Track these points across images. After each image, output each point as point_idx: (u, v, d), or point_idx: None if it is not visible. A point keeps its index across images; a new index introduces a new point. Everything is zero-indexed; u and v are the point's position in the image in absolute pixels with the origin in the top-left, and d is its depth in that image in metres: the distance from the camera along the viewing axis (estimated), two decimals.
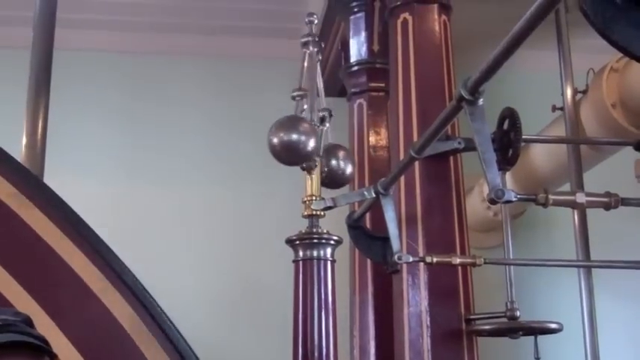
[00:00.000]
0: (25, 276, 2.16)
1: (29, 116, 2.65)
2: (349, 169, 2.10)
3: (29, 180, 2.29)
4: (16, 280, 2.16)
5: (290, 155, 1.94)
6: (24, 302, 2.08)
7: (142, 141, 4.14)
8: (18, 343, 1.37)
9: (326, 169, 2.05)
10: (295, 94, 2.04)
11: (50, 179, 2.43)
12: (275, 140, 1.92)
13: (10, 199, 2.23)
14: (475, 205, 3.66)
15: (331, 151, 2.08)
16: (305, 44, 2.07)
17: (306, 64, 2.07)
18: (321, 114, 2.10)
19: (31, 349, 1.38)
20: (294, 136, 1.91)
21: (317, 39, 2.09)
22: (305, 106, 2.03)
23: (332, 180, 2.08)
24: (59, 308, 2.14)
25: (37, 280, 2.17)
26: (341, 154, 2.09)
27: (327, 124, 2.13)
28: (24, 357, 1.38)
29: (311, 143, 1.92)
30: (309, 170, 2.01)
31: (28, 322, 1.46)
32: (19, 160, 2.42)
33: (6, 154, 2.28)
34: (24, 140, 2.63)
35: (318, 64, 2.11)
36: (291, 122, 1.95)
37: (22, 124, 2.66)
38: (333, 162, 2.07)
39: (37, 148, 2.62)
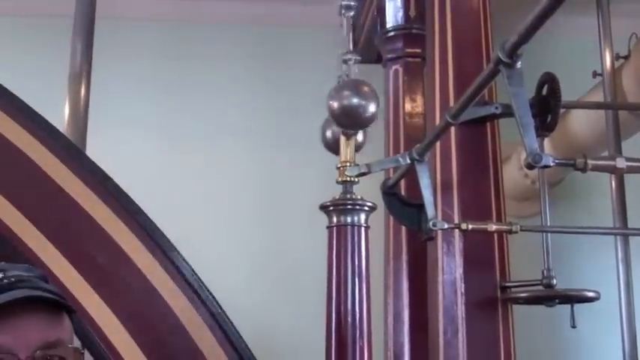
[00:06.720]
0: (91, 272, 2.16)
1: (72, 85, 2.68)
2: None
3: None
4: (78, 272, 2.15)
5: (350, 119, 1.89)
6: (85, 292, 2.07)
7: (179, 109, 4.17)
8: (33, 299, 1.27)
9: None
10: (347, 57, 2.00)
11: (92, 147, 2.45)
12: (335, 104, 1.88)
13: (55, 174, 2.24)
14: (512, 173, 3.62)
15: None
16: (347, 8, 2.04)
17: (346, 28, 2.05)
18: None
19: (47, 305, 1.30)
20: (355, 100, 1.87)
21: (354, 3, 2.06)
22: (356, 70, 1.99)
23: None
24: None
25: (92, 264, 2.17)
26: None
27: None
28: (40, 313, 1.29)
29: (371, 108, 1.88)
30: (347, 136, 1.98)
31: (43, 278, 1.37)
32: (61, 130, 2.44)
33: (50, 126, 2.28)
34: (67, 110, 2.66)
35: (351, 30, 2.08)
36: (351, 86, 1.90)
37: (65, 94, 2.68)
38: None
39: (80, 117, 2.66)
